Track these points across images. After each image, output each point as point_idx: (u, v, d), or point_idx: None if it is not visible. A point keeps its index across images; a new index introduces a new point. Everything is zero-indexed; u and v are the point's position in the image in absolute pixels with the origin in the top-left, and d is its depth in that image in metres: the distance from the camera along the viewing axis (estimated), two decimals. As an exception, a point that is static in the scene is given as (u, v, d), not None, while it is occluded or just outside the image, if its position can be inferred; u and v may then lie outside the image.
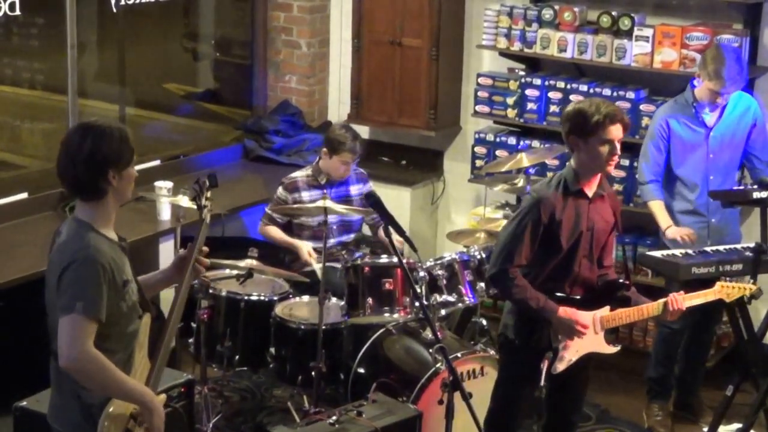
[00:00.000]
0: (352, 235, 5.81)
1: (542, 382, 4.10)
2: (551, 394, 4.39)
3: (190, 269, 3.48)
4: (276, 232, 5.65)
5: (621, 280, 4.23)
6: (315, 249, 5.55)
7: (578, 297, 4.14)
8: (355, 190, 5.74)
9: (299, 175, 5.69)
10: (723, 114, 5.21)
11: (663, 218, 5.21)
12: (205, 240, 3.59)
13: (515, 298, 4.12)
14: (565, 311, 4.06)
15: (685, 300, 4.23)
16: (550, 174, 6.10)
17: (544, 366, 4.08)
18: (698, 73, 5.13)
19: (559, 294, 4.11)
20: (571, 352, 4.13)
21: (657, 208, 5.24)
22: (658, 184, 5.27)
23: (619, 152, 4.06)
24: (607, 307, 4.17)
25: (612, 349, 4.25)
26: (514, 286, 4.06)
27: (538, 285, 4.10)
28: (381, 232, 5.73)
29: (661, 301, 4.20)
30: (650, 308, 4.20)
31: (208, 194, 3.68)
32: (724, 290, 4.44)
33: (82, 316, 3.09)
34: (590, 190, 4.12)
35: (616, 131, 4.02)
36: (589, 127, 4.01)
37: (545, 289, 4.10)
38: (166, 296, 5.32)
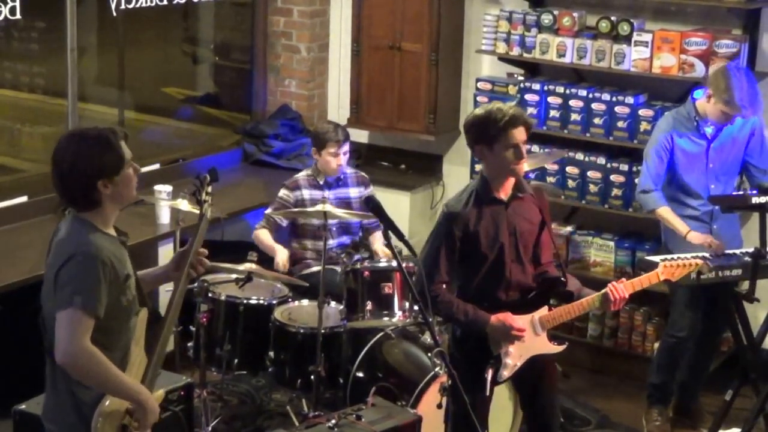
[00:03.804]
0: (352, 238, 5.82)
1: (488, 392, 4.08)
2: (524, 403, 4.40)
3: (189, 264, 3.48)
4: (264, 236, 5.62)
5: (558, 277, 4.19)
6: (314, 250, 5.55)
7: (513, 301, 4.13)
8: (354, 192, 5.75)
9: (300, 175, 5.74)
10: (723, 126, 5.21)
11: (679, 224, 5.16)
12: (204, 237, 3.58)
13: (443, 315, 4.16)
14: (497, 318, 4.05)
15: (626, 287, 4.15)
16: (550, 179, 6.16)
17: (489, 375, 4.07)
18: (710, 92, 5.10)
19: (490, 301, 4.09)
20: (515, 357, 4.12)
21: (668, 213, 5.21)
22: (661, 192, 5.27)
23: (525, 155, 4.04)
24: (545, 307, 4.16)
25: (557, 348, 4.23)
26: (438, 303, 4.07)
27: (472, 295, 4.10)
28: (372, 239, 5.75)
29: (601, 292, 4.14)
30: (589, 301, 4.15)
31: (209, 189, 3.67)
32: (668, 270, 4.32)
33: (80, 311, 3.09)
34: (505, 195, 4.12)
35: (519, 134, 4.01)
36: (491, 135, 4.01)
37: (480, 298, 4.10)
38: (165, 296, 5.35)
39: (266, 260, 5.44)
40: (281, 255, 5.51)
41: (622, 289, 4.13)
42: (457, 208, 4.09)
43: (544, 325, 4.16)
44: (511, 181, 4.12)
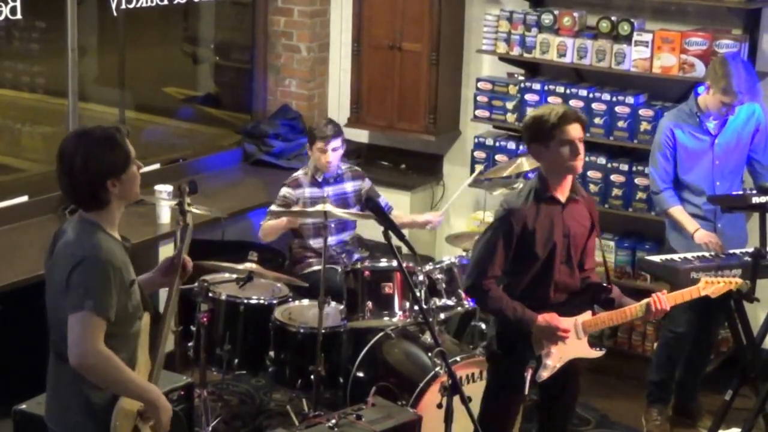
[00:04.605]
0: (350, 233, 5.82)
1: (527, 391, 4.09)
2: (544, 402, 4.40)
3: (179, 273, 3.51)
4: (276, 222, 5.58)
5: (602, 283, 4.22)
6: (315, 248, 5.56)
7: (559, 303, 4.13)
8: (350, 187, 5.75)
9: (300, 173, 5.74)
10: (727, 121, 5.22)
11: (688, 222, 5.20)
12: (190, 244, 3.62)
13: (491, 309, 4.14)
14: (544, 318, 4.06)
15: (668, 299, 4.18)
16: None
17: (528, 375, 4.08)
18: (708, 84, 5.13)
19: (537, 301, 4.09)
20: (555, 358, 4.12)
21: (679, 213, 5.24)
22: (672, 191, 5.28)
23: (581, 151, 4.04)
24: (589, 312, 4.17)
25: (596, 353, 4.24)
26: (488, 298, 4.07)
27: (519, 293, 4.10)
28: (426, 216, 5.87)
29: (644, 301, 4.16)
30: (633, 310, 4.17)
31: (188, 199, 3.75)
32: (709, 286, 4.34)
33: (92, 314, 3.10)
34: (562, 196, 4.12)
35: (574, 131, 4.02)
36: (547, 132, 4.02)
37: (527, 297, 4.10)
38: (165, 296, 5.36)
39: (267, 260, 5.44)
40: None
41: (664, 300, 4.16)
42: (517, 204, 4.09)
43: (586, 329, 4.17)
44: (568, 181, 4.12)
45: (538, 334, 4.07)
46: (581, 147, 4.04)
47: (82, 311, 3.10)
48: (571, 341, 4.13)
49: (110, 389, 3.22)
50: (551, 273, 4.12)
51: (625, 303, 4.21)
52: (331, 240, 5.62)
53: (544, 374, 4.11)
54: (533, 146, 4.10)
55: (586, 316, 4.17)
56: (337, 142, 5.62)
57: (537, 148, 4.09)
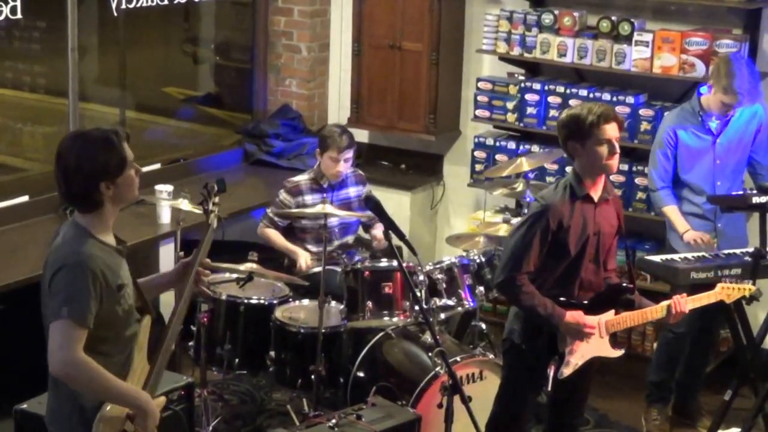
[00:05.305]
0: (351, 236, 5.82)
1: (549, 387, 4.11)
2: (555, 400, 4.41)
3: (192, 276, 3.48)
4: (276, 236, 5.64)
5: (625, 284, 4.25)
6: (315, 252, 5.56)
7: (584, 302, 4.15)
8: (353, 192, 5.74)
9: (302, 179, 5.69)
10: (729, 121, 5.22)
11: (680, 223, 5.22)
12: (210, 246, 3.58)
13: (523, 305, 4.13)
14: (572, 316, 4.08)
15: (687, 302, 4.24)
16: (550, 179, 6.16)
17: (551, 371, 4.10)
18: (711, 82, 5.14)
19: (563, 299, 4.12)
20: (577, 356, 4.14)
21: (672, 213, 5.26)
22: (670, 190, 5.29)
23: (618, 150, 4.08)
24: (612, 311, 4.19)
25: (617, 353, 4.26)
26: (522, 293, 4.07)
27: (545, 290, 4.11)
28: (374, 230, 5.75)
29: (665, 303, 4.20)
30: (654, 311, 4.21)
31: (216, 199, 3.69)
32: (725, 291, 4.45)
33: (69, 322, 3.08)
34: (596, 194, 4.15)
35: (611, 130, 4.05)
36: (585, 130, 4.04)
37: (552, 294, 4.11)
38: (167, 300, 5.35)
39: (267, 260, 5.44)
40: (304, 256, 5.52)
41: (683, 303, 4.21)
42: (554, 200, 4.10)
43: (608, 329, 4.19)
44: (601, 180, 4.15)
45: (566, 331, 4.09)
46: (617, 146, 4.07)
47: (60, 319, 3.08)
48: (594, 340, 4.15)
49: (92, 396, 3.20)
50: (578, 271, 4.15)
51: (644, 304, 4.24)
52: (335, 243, 5.62)
53: (566, 371, 4.13)
54: (569, 144, 4.12)
55: (609, 315, 4.19)
56: (349, 154, 5.58)
57: (573, 145, 4.11)
